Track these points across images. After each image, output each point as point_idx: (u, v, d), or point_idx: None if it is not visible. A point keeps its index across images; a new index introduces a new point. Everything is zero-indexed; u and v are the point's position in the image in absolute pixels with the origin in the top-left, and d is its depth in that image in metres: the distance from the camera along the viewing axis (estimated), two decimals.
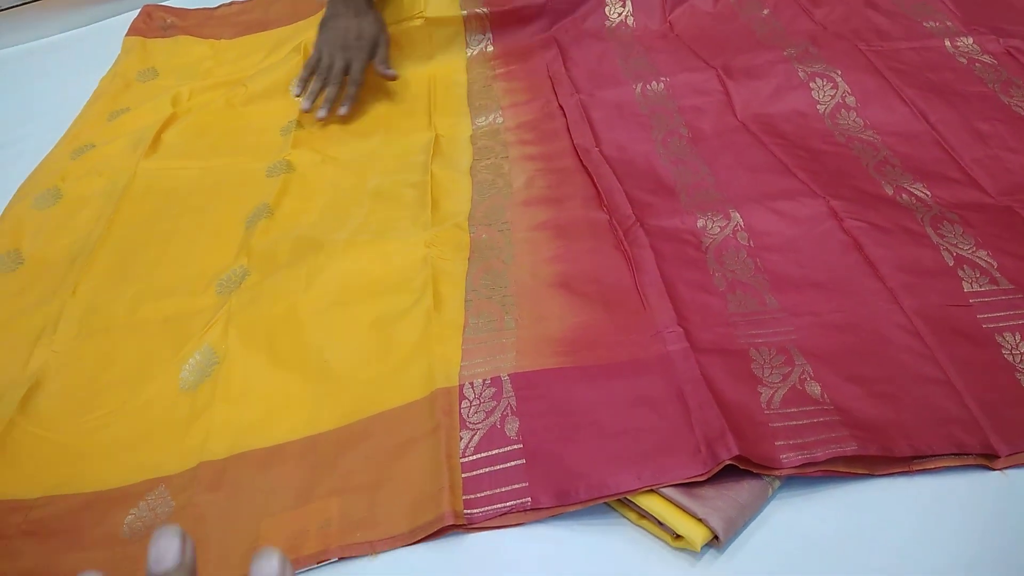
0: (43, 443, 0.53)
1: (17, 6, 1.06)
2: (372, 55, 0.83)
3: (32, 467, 0.52)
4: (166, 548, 0.22)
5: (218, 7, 1.15)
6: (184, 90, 0.95)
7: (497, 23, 0.94)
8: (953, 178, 0.63)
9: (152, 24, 1.10)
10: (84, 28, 1.10)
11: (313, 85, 0.81)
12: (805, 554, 0.41)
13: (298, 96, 0.82)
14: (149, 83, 0.99)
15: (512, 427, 0.46)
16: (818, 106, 0.73)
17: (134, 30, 1.07)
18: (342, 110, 0.80)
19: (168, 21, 1.11)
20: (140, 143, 0.83)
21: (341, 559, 0.43)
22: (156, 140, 0.84)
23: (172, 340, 0.59)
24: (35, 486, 0.51)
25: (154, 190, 0.77)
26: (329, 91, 0.81)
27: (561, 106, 0.80)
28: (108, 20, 1.11)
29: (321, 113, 0.80)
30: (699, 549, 0.40)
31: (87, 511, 0.49)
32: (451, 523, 0.43)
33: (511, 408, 0.47)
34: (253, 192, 0.74)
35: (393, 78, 0.83)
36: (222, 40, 1.08)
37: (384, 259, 0.60)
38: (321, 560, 0.43)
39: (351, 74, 0.82)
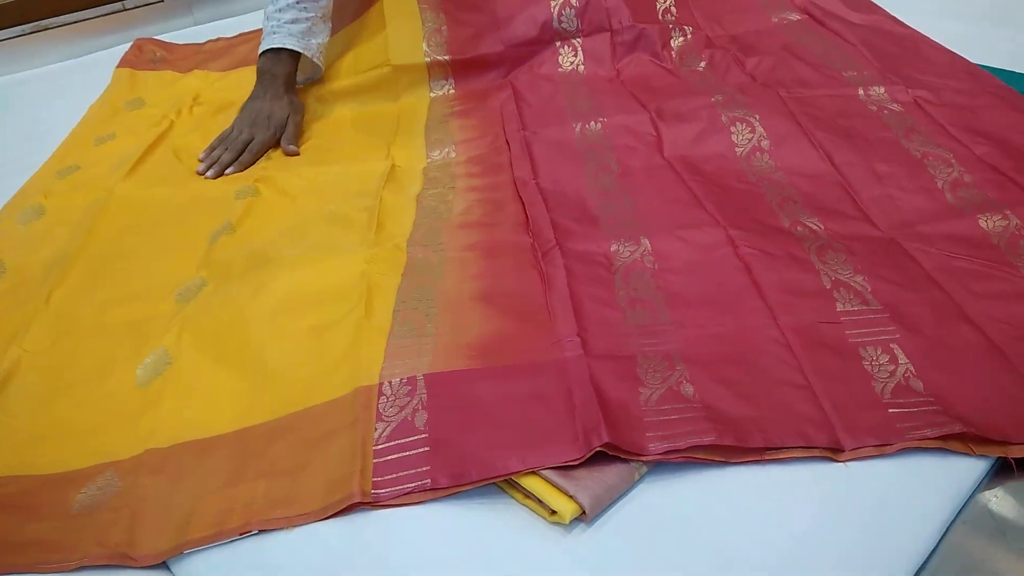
0: (8, 429, 0.59)
1: (14, 37, 1.14)
2: (278, 134, 0.93)
3: None
4: None
5: (205, 42, 1.23)
6: (170, 114, 1.02)
7: (458, 69, 1.02)
8: (848, 214, 0.70)
9: (142, 57, 1.18)
10: (77, 59, 1.18)
11: (216, 152, 0.91)
12: (663, 529, 0.46)
13: (202, 160, 0.90)
14: (135, 112, 1.06)
15: (421, 419, 0.52)
16: (736, 148, 0.80)
17: (125, 62, 1.16)
18: (229, 170, 0.89)
19: (158, 54, 1.19)
20: (121, 166, 0.91)
21: (261, 532, 0.49)
22: (137, 164, 0.91)
23: (132, 342, 0.65)
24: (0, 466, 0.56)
25: (129, 209, 0.83)
26: (224, 156, 0.90)
27: (507, 141, 0.87)
28: (100, 52, 1.19)
29: (208, 174, 0.88)
30: (567, 521, 0.46)
31: (44, 489, 0.54)
32: (359, 500, 0.48)
33: (422, 403, 0.53)
34: (220, 212, 0.81)
35: (294, 154, 0.92)
36: (211, 72, 1.16)
37: (326, 273, 0.67)
38: (243, 532, 0.49)
39: (250, 146, 0.91)
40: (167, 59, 1.19)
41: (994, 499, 0.49)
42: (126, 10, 1.19)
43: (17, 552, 0.49)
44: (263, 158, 0.90)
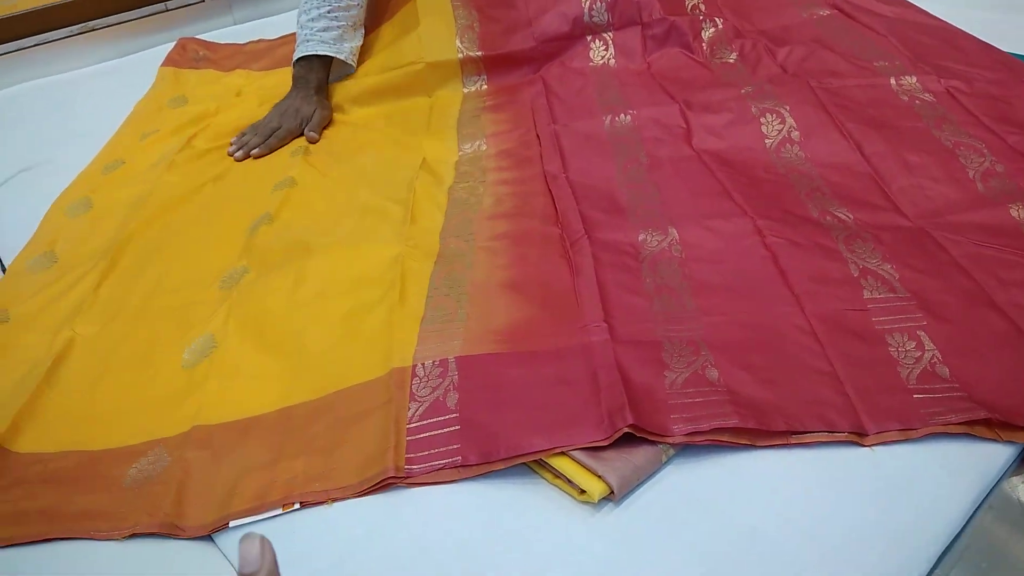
0: (63, 408, 0.62)
1: (63, 38, 1.18)
2: (304, 124, 0.98)
3: (53, 427, 0.61)
4: (248, 551, 0.26)
5: (247, 43, 1.26)
6: (212, 111, 1.06)
7: (490, 65, 1.04)
8: (877, 204, 0.70)
9: (185, 55, 1.21)
10: (123, 59, 1.22)
11: (245, 136, 0.97)
12: (689, 510, 0.47)
13: (232, 143, 0.97)
14: (179, 109, 1.10)
15: (452, 400, 0.54)
16: (766, 140, 0.81)
17: (169, 61, 1.19)
18: (255, 152, 0.95)
19: (200, 54, 1.23)
20: (164, 160, 0.94)
21: (303, 506, 0.51)
22: (179, 158, 0.94)
23: (178, 327, 0.68)
24: (54, 443, 0.59)
25: (172, 201, 0.86)
26: (252, 140, 0.96)
27: (538, 135, 0.89)
28: (145, 52, 1.23)
29: (237, 155, 0.95)
30: (596, 500, 0.47)
31: (97, 464, 0.57)
32: (392, 475, 0.50)
33: (453, 384, 0.55)
34: (259, 203, 0.83)
35: (314, 141, 0.97)
36: (252, 72, 1.19)
37: (362, 261, 0.69)
38: (285, 505, 0.51)
39: (277, 133, 0.97)
40: (210, 58, 1.22)
41: (1021, 485, 0.49)
42: (168, 11, 1.23)
43: (72, 520, 0.52)
44: (302, 152, 0.93)
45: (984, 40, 0.94)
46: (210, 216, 0.84)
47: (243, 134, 0.98)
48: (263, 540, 0.27)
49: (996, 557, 0.46)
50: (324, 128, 1.00)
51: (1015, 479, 0.49)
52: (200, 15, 1.26)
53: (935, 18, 1.02)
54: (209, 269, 0.75)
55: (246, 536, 0.28)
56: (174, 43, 1.23)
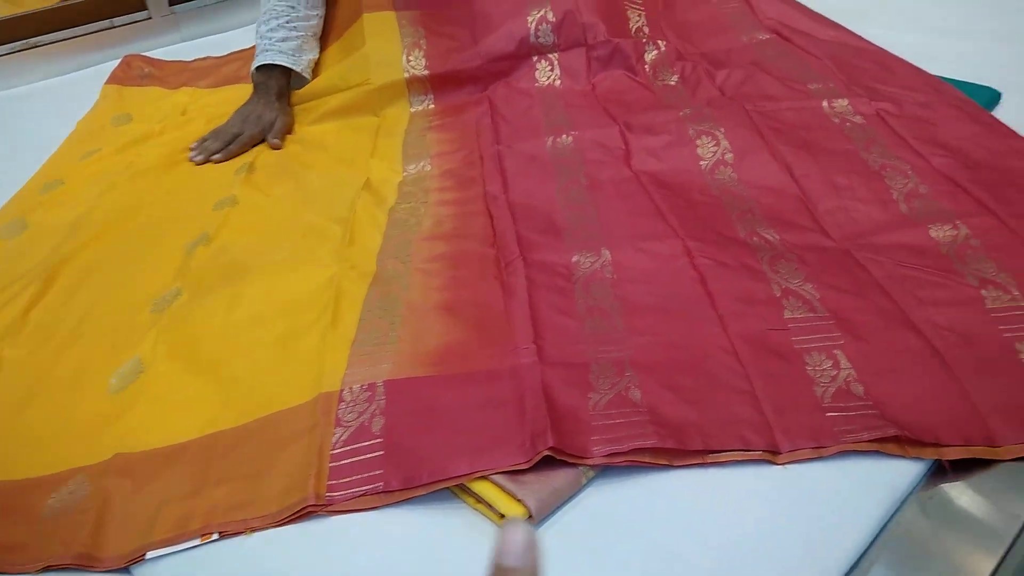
0: None
1: (5, 55, 1.16)
2: (267, 132, 1.00)
3: None
4: (511, 540, 0.23)
5: (194, 60, 1.26)
6: (156, 129, 1.05)
7: (437, 84, 1.05)
8: (804, 225, 0.72)
9: (130, 73, 1.21)
10: (67, 76, 1.21)
11: (207, 143, 0.99)
12: (607, 531, 0.48)
13: (193, 148, 0.99)
14: (122, 127, 1.09)
15: (378, 425, 0.54)
16: (701, 162, 0.82)
17: (113, 78, 1.18)
18: (216, 157, 0.97)
19: (146, 71, 1.22)
20: (104, 180, 0.93)
21: (221, 536, 0.51)
22: (120, 178, 0.94)
23: (107, 352, 0.67)
24: None
25: (111, 222, 0.86)
26: (213, 145, 0.98)
27: (481, 156, 0.89)
28: (89, 69, 1.22)
29: (197, 159, 0.97)
30: None
31: (19, 493, 0.56)
32: (312, 503, 0.50)
33: (380, 409, 0.55)
34: (198, 223, 0.83)
35: (277, 147, 0.99)
36: (199, 89, 1.18)
37: (297, 284, 0.69)
38: (203, 535, 0.50)
39: (239, 139, 0.99)
40: (155, 75, 1.21)
41: (928, 500, 0.50)
42: (115, 27, 1.22)
43: None
44: (245, 170, 0.92)
45: (915, 64, 0.97)
46: (148, 237, 0.83)
47: (204, 139, 0.99)
48: (530, 532, 0.23)
49: (904, 570, 0.47)
50: (286, 135, 1.00)
51: (923, 494, 0.51)
52: (147, 32, 1.25)
53: (869, 43, 1.05)
54: (142, 292, 0.74)
55: (511, 521, 0.23)
56: (119, 60, 1.22)
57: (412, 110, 1.04)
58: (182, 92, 1.17)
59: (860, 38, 1.06)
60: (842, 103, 0.89)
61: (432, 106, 1.05)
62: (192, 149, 0.98)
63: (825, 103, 0.89)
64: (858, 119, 0.86)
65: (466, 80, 1.05)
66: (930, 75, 0.95)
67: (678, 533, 0.47)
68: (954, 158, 0.78)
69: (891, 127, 0.84)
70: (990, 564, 0.47)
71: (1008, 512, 0.49)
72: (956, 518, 0.49)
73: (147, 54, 1.25)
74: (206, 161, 0.96)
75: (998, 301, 0.61)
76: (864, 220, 0.72)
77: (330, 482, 0.51)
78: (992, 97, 0.94)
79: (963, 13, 1.21)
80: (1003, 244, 0.66)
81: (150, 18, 1.24)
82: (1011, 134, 0.82)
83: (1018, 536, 0.49)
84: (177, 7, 1.26)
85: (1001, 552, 0.47)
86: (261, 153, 0.96)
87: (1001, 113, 0.92)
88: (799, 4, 1.16)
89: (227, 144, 0.98)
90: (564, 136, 0.90)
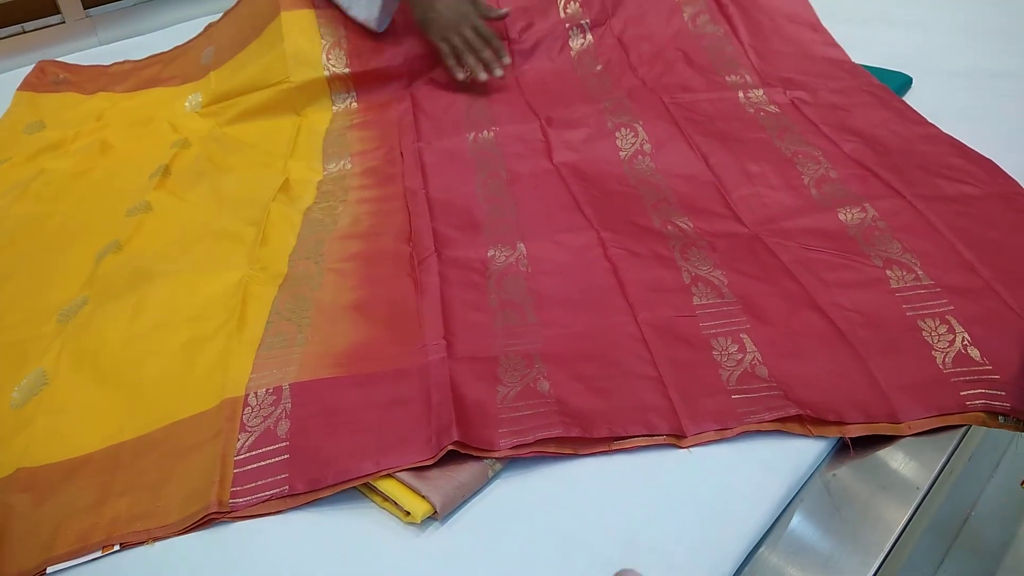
0: None
1: None
2: (474, 8, 0.97)
3: None
4: None
5: (111, 64, 1.22)
6: (70, 136, 1.02)
7: (360, 82, 1.03)
8: (718, 212, 0.73)
9: (44, 79, 1.16)
10: None
11: (469, 61, 0.96)
12: (512, 523, 0.48)
13: (463, 79, 0.98)
14: (35, 135, 1.05)
15: (283, 428, 0.53)
16: (620, 152, 0.83)
17: (26, 85, 1.14)
18: (497, 72, 0.97)
19: (61, 76, 1.18)
20: (15, 189, 0.90)
21: (123, 547, 0.49)
22: (32, 186, 0.90)
23: (11, 365, 0.65)
24: None
25: (21, 231, 0.83)
26: (486, 56, 0.96)
27: (402, 152, 0.89)
28: (2, 75, 1.17)
29: (483, 76, 0.96)
30: (419, 521, 0.47)
31: None
32: (216, 511, 0.49)
33: (286, 412, 0.54)
34: (110, 230, 0.80)
35: (504, 16, 0.99)
36: (115, 93, 1.15)
37: (204, 288, 0.67)
38: (104, 547, 0.49)
39: (482, 34, 0.97)
40: (71, 81, 1.18)
41: (832, 478, 0.51)
42: (26, 32, 1.18)
43: None
44: (159, 174, 0.90)
45: (838, 49, 0.99)
46: (58, 245, 0.80)
47: (455, 69, 0.96)
48: None
49: (806, 548, 0.48)
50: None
51: (827, 472, 0.52)
52: (61, 37, 1.21)
53: (790, 20, 1.06)
54: (50, 302, 0.71)
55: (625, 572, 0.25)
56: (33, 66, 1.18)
57: (335, 108, 1.03)
58: (99, 97, 1.14)
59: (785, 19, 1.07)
60: (757, 93, 0.90)
61: (355, 104, 1.03)
62: (461, 74, 0.97)
63: (741, 94, 0.90)
64: (772, 108, 0.88)
65: (390, 77, 1.04)
66: (850, 61, 0.97)
67: (584, 521, 0.48)
68: (865, 143, 0.80)
69: (805, 115, 0.86)
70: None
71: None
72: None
73: (62, 59, 1.21)
74: (488, 75, 0.95)
75: (902, 281, 0.62)
76: (775, 206, 0.73)
77: (234, 488, 0.50)
78: (904, 82, 0.96)
79: (881, 2, 1.24)
80: (908, 224, 0.68)
81: (64, 22, 1.20)
82: (920, 120, 0.85)
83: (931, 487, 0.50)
84: (92, 10, 1.22)
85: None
86: (177, 156, 0.94)
87: (912, 97, 0.94)
88: None
89: (483, 48, 0.95)
90: (485, 132, 0.90)
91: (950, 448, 0.53)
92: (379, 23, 1.02)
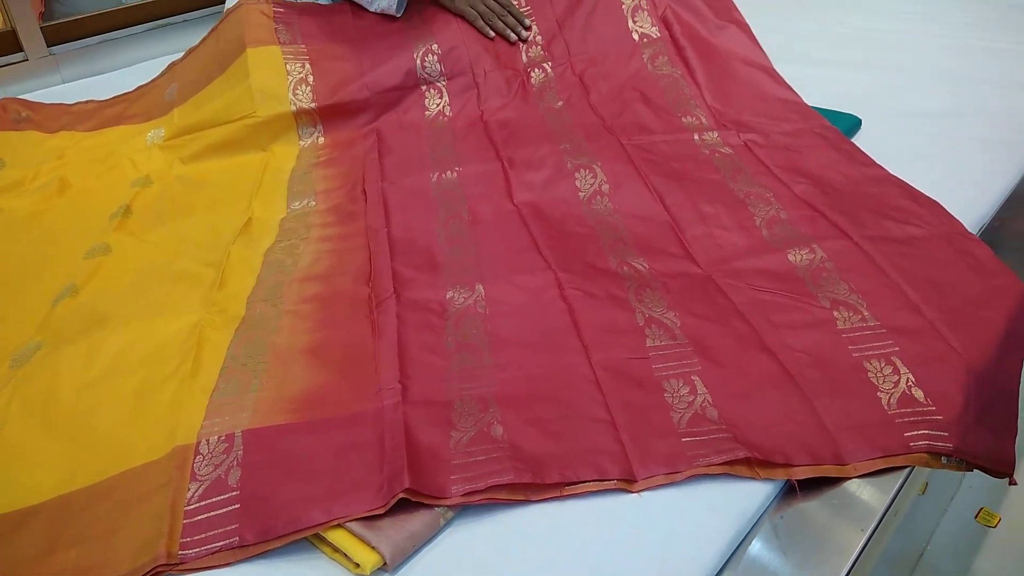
0: None
1: None
2: None
3: None
4: None
5: (75, 104, 1.22)
6: (29, 175, 1.01)
7: (326, 116, 1.04)
8: (673, 253, 0.74)
9: (6, 117, 1.16)
10: None
11: (498, 24, 1.12)
12: (464, 571, 0.48)
13: (492, 38, 1.12)
14: None
15: (234, 477, 0.53)
16: (579, 193, 0.84)
17: None
18: (523, 35, 1.13)
19: (23, 114, 1.17)
20: None
21: None
22: None
23: None
24: None
25: None
26: (509, 22, 1.12)
27: (364, 191, 0.89)
28: None
29: (512, 37, 1.12)
30: (368, 573, 0.47)
31: None
32: (164, 563, 0.48)
33: (237, 460, 0.54)
34: (67, 273, 0.80)
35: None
36: (77, 132, 1.14)
37: (159, 333, 0.67)
38: None
39: (501, 3, 1.13)
40: (32, 119, 1.17)
41: (780, 520, 0.52)
42: None
43: None
44: (120, 214, 0.89)
45: (789, 91, 1.02)
46: (12, 289, 0.80)
47: (490, 27, 1.11)
48: None
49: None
50: None
51: (776, 514, 0.52)
52: (23, 74, 1.20)
53: (748, 66, 1.09)
54: (2, 346, 0.71)
55: None
56: None
57: (301, 144, 1.04)
58: (61, 136, 1.13)
59: (738, 57, 1.10)
60: (712, 136, 0.93)
61: (322, 139, 1.04)
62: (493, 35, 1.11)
63: (696, 136, 0.93)
64: (726, 150, 0.90)
65: (356, 111, 1.05)
66: (801, 103, 1.00)
67: (533, 568, 0.48)
68: (815, 185, 0.82)
69: (757, 157, 0.88)
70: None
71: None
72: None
73: (25, 97, 1.20)
74: (517, 37, 1.12)
75: (849, 322, 0.64)
76: (728, 246, 0.75)
77: (183, 539, 0.50)
78: (853, 123, 0.99)
79: (831, 44, 1.28)
80: (855, 265, 0.70)
81: (27, 60, 1.20)
82: (869, 162, 0.87)
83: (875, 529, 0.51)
84: (56, 48, 1.22)
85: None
86: (139, 195, 0.94)
87: (861, 138, 0.97)
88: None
89: (504, 15, 1.11)
90: (449, 172, 0.91)
91: (894, 490, 0.54)
92: (398, 7, 1.12)
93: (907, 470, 0.55)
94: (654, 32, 1.12)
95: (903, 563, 0.96)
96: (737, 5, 1.16)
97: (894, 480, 0.54)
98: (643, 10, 1.13)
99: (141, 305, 0.72)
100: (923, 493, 0.86)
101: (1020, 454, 0.57)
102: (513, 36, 1.12)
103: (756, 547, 0.50)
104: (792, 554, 0.50)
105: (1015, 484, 0.57)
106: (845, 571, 0.49)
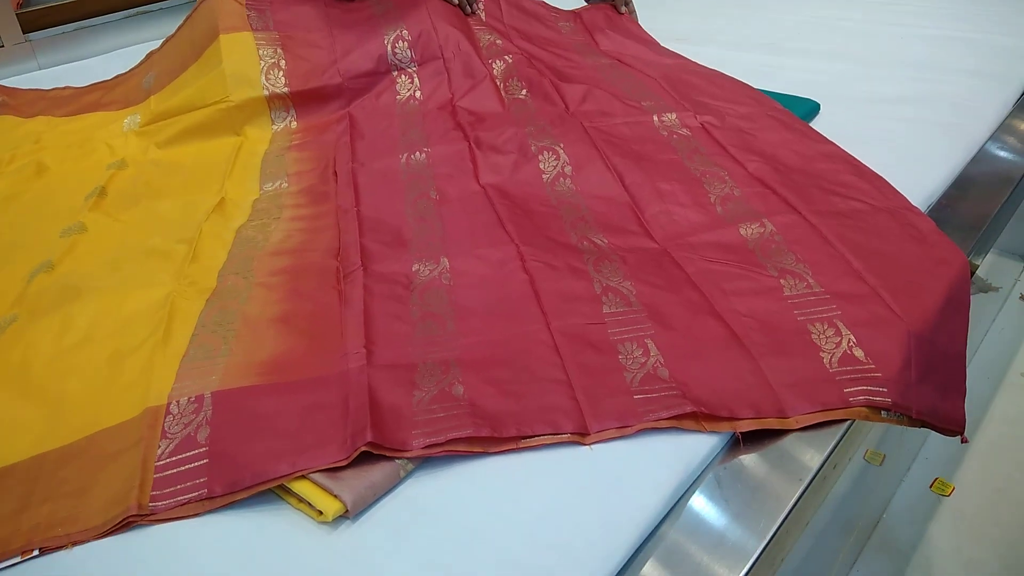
0: None
1: None
2: None
3: None
4: None
5: (51, 89, 1.23)
6: (5, 158, 1.02)
7: (299, 101, 1.06)
8: (631, 229, 0.77)
9: None
10: None
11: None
12: (420, 520, 0.50)
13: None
14: None
15: (203, 434, 0.55)
16: (543, 175, 0.87)
17: None
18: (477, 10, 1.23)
19: (0, 100, 1.19)
20: None
21: (42, 552, 0.50)
22: None
23: None
24: None
25: None
26: None
27: (335, 172, 0.92)
28: None
29: (468, 11, 1.22)
30: (331, 519, 0.49)
31: None
32: (135, 513, 0.50)
33: (206, 419, 0.56)
34: (43, 250, 0.81)
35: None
36: (54, 117, 1.16)
37: (132, 304, 0.69)
38: (24, 553, 0.50)
39: None
40: (8, 104, 1.18)
41: (723, 471, 0.55)
42: None
43: None
44: (95, 195, 0.91)
45: (741, 80, 1.06)
46: None
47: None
48: None
49: (697, 535, 0.51)
50: None
51: (720, 466, 0.55)
52: (0, 60, 1.21)
53: (701, 66, 1.13)
54: None
55: None
56: None
57: (274, 128, 1.06)
58: (37, 121, 1.14)
59: (693, 63, 1.15)
60: (671, 117, 0.96)
61: (295, 124, 1.06)
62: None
63: (655, 117, 0.96)
64: (684, 131, 0.93)
65: (328, 97, 1.07)
66: (753, 89, 1.03)
67: (487, 516, 0.50)
68: (767, 163, 0.86)
69: (714, 137, 0.91)
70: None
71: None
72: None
73: (1, 83, 1.21)
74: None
75: (795, 289, 0.67)
76: (683, 222, 0.78)
77: (153, 492, 0.52)
78: (811, 108, 1.03)
79: (792, 33, 1.32)
80: (802, 238, 0.73)
81: (2, 46, 1.21)
82: (821, 139, 0.91)
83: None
84: (32, 35, 1.23)
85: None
86: (114, 177, 0.95)
87: (819, 123, 1.01)
88: (639, 38, 1.25)
89: None
90: (418, 153, 0.94)
91: (835, 439, 0.57)
92: None
93: (846, 424, 0.58)
94: (604, 61, 1.19)
95: (860, 531, 1.00)
96: None
97: (832, 435, 0.57)
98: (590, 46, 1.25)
99: (115, 279, 0.74)
100: (880, 464, 0.89)
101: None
102: (469, 10, 1.21)
103: (699, 496, 0.53)
104: (733, 503, 0.53)
105: (966, 442, 0.60)
106: (781, 518, 0.52)
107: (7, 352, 0.66)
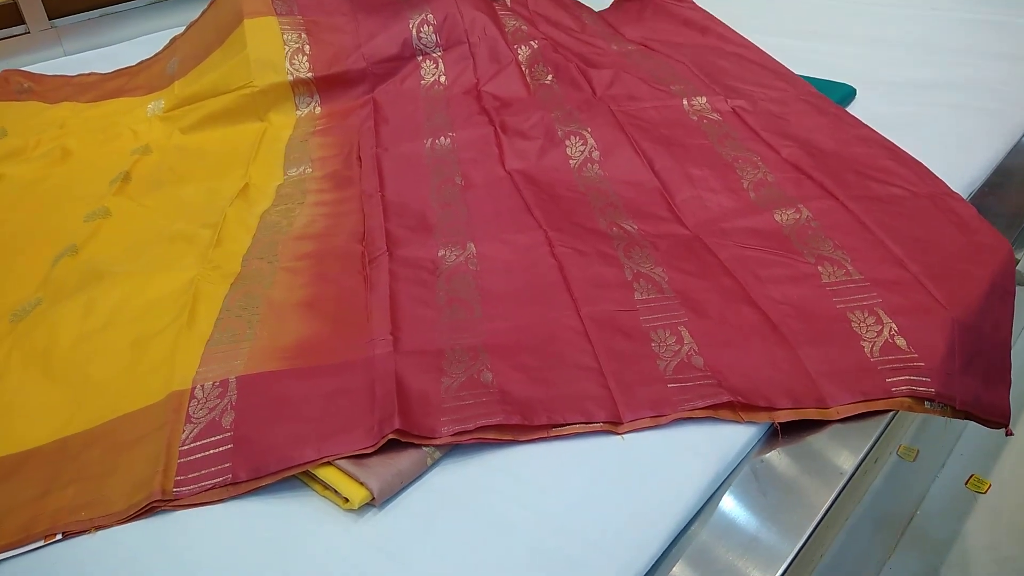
0: None
1: None
2: None
3: None
4: None
5: (76, 75, 1.23)
6: (31, 143, 1.02)
7: (322, 86, 1.05)
8: (661, 215, 0.75)
9: (8, 88, 1.17)
10: None
11: None
12: (448, 508, 0.49)
13: None
14: None
15: (228, 419, 0.54)
16: (570, 160, 0.85)
17: None
18: None
19: (25, 85, 1.19)
20: None
21: (65, 536, 0.50)
22: None
23: None
24: None
25: None
26: None
27: (359, 157, 0.90)
28: None
29: None
30: (357, 507, 0.48)
31: None
32: (159, 498, 0.50)
33: (231, 404, 0.55)
34: (68, 235, 0.81)
35: None
36: (78, 103, 1.16)
37: (156, 287, 0.68)
38: (47, 536, 0.50)
39: None
40: (34, 90, 1.18)
41: (759, 463, 0.53)
42: None
43: None
44: (120, 180, 0.91)
45: (774, 60, 1.03)
46: (13, 249, 0.81)
47: None
48: None
49: (732, 529, 0.49)
50: None
51: (756, 457, 0.54)
52: (26, 47, 1.22)
53: (733, 41, 1.10)
54: (3, 303, 0.72)
55: None
56: None
57: (298, 113, 1.05)
58: (62, 106, 1.14)
59: (724, 37, 1.12)
60: (701, 100, 0.93)
61: (319, 109, 1.05)
62: None
63: (685, 101, 0.93)
64: (715, 116, 0.91)
65: (353, 81, 1.06)
66: (787, 70, 1.01)
67: (516, 505, 0.49)
68: (801, 148, 0.83)
69: (745, 122, 0.89)
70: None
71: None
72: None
73: (27, 68, 1.22)
74: None
75: (833, 276, 0.65)
76: (715, 208, 0.76)
77: (178, 477, 0.51)
78: (848, 93, 1.00)
79: (828, 18, 1.29)
80: (840, 224, 0.71)
81: (28, 32, 1.21)
82: (857, 123, 0.88)
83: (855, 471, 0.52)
84: (57, 21, 1.23)
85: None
86: (138, 163, 0.95)
87: (856, 107, 0.98)
88: (665, 19, 1.22)
89: None
90: (443, 138, 0.92)
91: (875, 434, 0.55)
92: None
93: (888, 416, 0.56)
94: (629, 47, 1.16)
95: (893, 526, 0.97)
96: None
97: (875, 426, 0.55)
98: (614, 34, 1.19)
99: (139, 263, 0.73)
100: (914, 460, 0.87)
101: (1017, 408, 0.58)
102: None
103: (735, 489, 0.52)
104: (770, 496, 0.51)
105: (1011, 434, 0.57)
106: (821, 513, 0.51)
107: (31, 335, 0.66)
